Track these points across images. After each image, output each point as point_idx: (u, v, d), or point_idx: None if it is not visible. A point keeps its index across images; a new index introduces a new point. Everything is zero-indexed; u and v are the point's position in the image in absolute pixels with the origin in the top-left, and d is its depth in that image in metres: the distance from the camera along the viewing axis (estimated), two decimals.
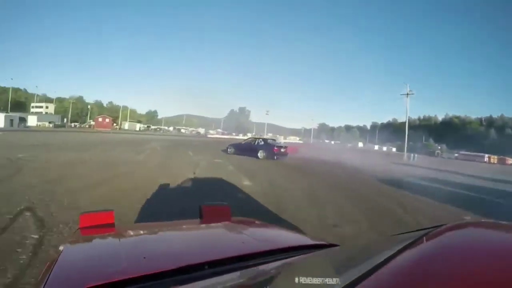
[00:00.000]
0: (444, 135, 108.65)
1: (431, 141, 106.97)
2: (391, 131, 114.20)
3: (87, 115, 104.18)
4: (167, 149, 23.87)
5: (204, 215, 2.23)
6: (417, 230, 1.19)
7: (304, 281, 0.92)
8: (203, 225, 2.25)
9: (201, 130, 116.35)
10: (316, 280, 0.91)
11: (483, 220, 1.28)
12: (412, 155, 47.30)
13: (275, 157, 22.05)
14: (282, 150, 23.11)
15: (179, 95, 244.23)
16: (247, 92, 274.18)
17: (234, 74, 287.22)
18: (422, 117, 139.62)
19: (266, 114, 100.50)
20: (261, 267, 1.25)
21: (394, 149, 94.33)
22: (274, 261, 1.33)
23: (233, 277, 1.18)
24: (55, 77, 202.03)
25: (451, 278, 0.75)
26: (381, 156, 43.00)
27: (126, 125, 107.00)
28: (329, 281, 0.89)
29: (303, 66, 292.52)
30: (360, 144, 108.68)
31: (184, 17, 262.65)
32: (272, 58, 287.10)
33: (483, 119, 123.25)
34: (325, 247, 1.60)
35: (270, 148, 22.75)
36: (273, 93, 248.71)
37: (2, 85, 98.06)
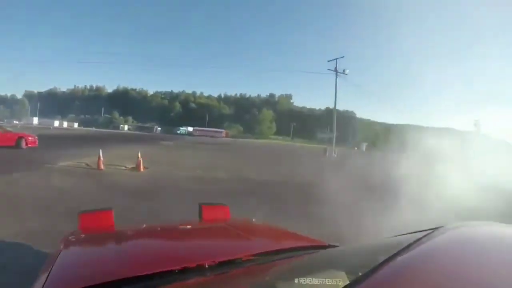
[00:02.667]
0: (121, 108, 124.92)
1: (117, 114, 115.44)
2: (56, 102, 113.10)
3: None
4: None
5: (204, 215, 2.36)
6: (416, 232, 1.32)
7: (304, 281, 1.03)
8: (203, 226, 2.40)
9: None
10: (316, 280, 1.02)
11: (482, 222, 1.37)
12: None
13: None
14: None
15: None
16: None
17: None
18: (89, 87, 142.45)
19: None
20: (261, 267, 1.39)
21: (76, 125, 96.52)
22: (274, 261, 1.48)
23: (233, 277, 1.31)
24: None
25: (451, 279, 0.82)
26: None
27: None
28: (329, 281, 0.99)
29: None
30: (35, 121, 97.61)
31: None
32: None
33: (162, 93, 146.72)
34: (325, 248, 1.75)
35: None
36: None
37: None
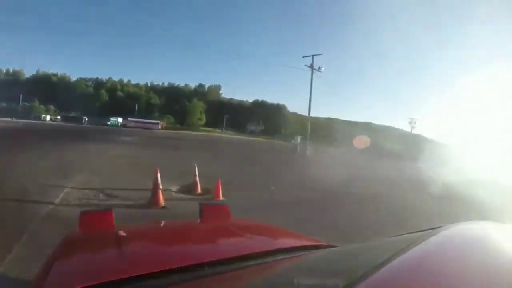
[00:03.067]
0: (41, 95, 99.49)
1: (37, 102, 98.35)
2: None
3: None
4: None
5: (204, 215, 2.32)
6: (416, 232, 1.32)
7: (304, 281, 1.03)
8: (203, 225, 2.35)
9: None
10: (315, 281, 1.01)
11: (483, 221, 1.36)
12: None
13: None
14: None
15: None
16: None
17: None
18: (5, 71, 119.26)
19: None
20: (261, 267, 1.35)
21: None
22: (274, 261, 1.44)
23: (233, 277, 1.27)
24: None
25: (451, 279, 0.81)
26: None
27: None
28: (329, 281, 0.98)
29: None
30: None
31: None
32: None
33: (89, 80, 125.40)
34: (325, 248, 1.73)
35: None
36: None
37: None
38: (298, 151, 40.28)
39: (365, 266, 0.90)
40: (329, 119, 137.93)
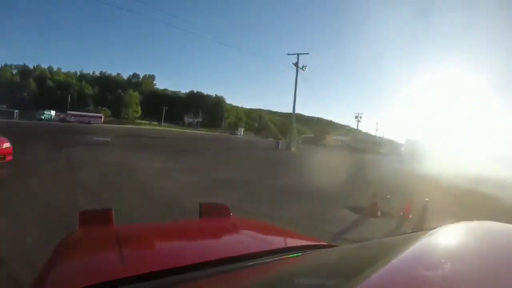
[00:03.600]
0: None
1: None
2: None
3: None
4: None
5: (204, 215, 2.33)
6: (416, 232, 1.36)
7: (304, 281, 1.03)
8: (203, 225, 2.34)
9: None
10: (315, 281, 1.01)
11: (483, 221, 1.38)
12: None
13: None
14: None
15: None
16: None
17: None
18: None
19: None
20: (261, 267, 1.35)
21: None
22: (274, 261, 1.43)
23: (233, 277, 1.27)
24: None
25: (451, 279, 0.81)
26: None
27: None
28: (329, 281, 0.97)
29: None
30: None
31: None
32: None
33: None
34: (325, 247, 1.73)
35: None
36: None
37: None
38: (279, 147, 41.16)
39: (365, 266, 0.90)
40: (257, 110, 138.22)
